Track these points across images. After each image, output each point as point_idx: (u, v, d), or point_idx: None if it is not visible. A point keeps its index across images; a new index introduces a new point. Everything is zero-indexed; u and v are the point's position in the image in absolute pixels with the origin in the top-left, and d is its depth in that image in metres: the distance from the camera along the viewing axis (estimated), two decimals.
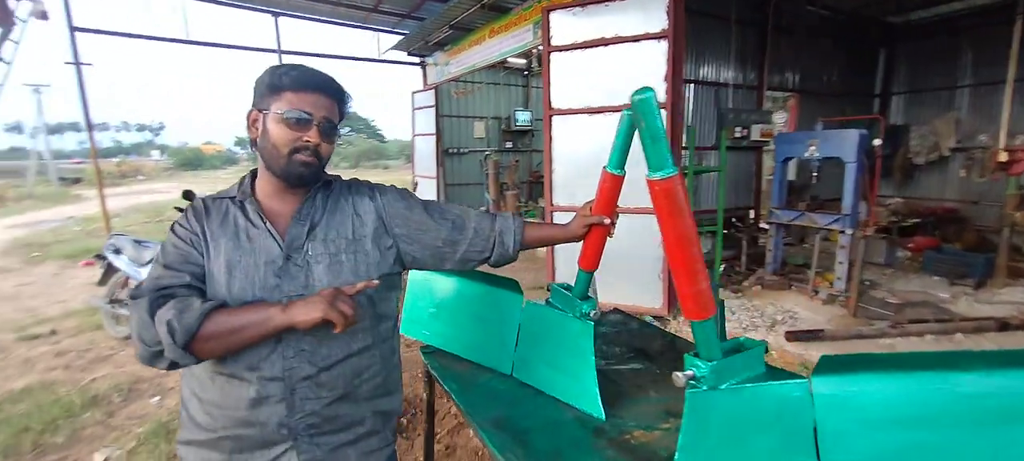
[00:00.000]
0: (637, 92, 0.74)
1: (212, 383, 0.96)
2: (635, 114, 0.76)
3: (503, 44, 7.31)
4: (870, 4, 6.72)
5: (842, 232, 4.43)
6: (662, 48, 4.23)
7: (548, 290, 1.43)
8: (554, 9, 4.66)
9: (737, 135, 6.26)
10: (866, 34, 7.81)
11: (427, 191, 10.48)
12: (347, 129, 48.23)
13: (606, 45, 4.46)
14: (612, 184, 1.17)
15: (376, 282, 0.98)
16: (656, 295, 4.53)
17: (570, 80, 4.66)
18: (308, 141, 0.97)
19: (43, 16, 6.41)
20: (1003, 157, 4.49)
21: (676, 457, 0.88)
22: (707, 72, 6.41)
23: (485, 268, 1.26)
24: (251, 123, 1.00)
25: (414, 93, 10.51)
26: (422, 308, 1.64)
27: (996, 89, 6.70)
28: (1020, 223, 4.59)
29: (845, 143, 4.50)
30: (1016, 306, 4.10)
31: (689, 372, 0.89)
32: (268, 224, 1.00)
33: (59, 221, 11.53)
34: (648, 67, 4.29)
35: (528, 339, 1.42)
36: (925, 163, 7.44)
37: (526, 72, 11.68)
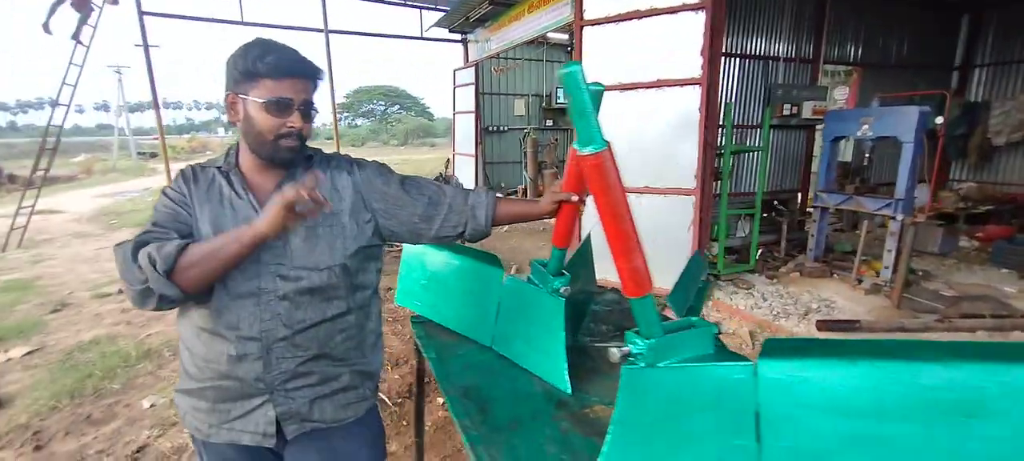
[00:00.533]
0: (563, 67, 0.73)
1: (198, 339, 1.06)
2: (565, 85, 0.75)
3: (541, 19, 7.20)
4: None
5: (892, 218, 4.12)
6: (700, 20, 4.03)
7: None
8: None
9: (785, 113, 5.88)
10: (945, 2, 7.03)
11: (466, 169, 10.61)
12: (396, 107, 49.24)
13: (640, 18, 4.30)
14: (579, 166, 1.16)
15: (330, 205, 1.00)
16: None
17: (603, 55, 4.54)
18: (292, 126, 1.01)
19: (114, 1, 6.94)
20: None
21: (609, 430, 0.89)
22: (756, 45, 6.03)
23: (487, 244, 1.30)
24: (230, 106, 1.03)
25: (455, 70, 10.58)
26: (415, 279, 1.71)
27: None
28: None
29: (902, 121, 4.14)
30: None
31: (625, 349, 0.89)
32: (251, 195, 1.06)
33: (136, 192, 12.65)
34: (685, 40, 4.11)
35: (507, 313, 1.45)
36: (1006, 143, 6.69)
37: (569, 48, 11.43)
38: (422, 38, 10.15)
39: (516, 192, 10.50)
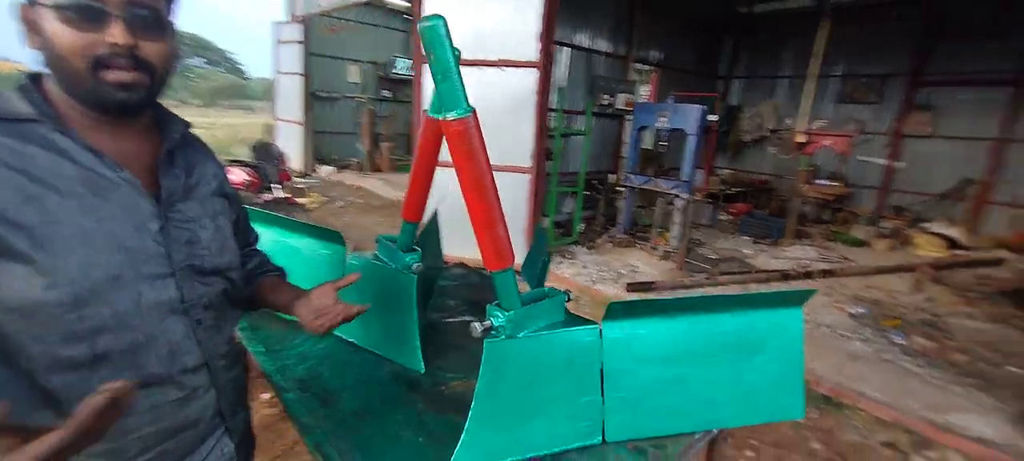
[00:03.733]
0: (424, 19, 0.67)
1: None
2: (425, 40, 0.69)
3: None
4: None
5: (678, 197, 5.01)
6: (535, 5, 4.23)
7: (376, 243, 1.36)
8: None
9: (603, 102, 6.64)
10: (717, 21, 8.73)
11: (292, 137, 9.47)
12: (200, 61, 41.23)
13: None
14: (433, 131, 1.11)
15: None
16: (521, 252, 4.72)
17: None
18: (115, 44, 0.63)
19: None
20: (801, 139, 5.43)
21: (472, 404, 0.89)
22: (583, 39, 6.63)
23: None
24: (28, 24, 0.64)
25: (277, 24, 9.25)
26: None
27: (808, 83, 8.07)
28: (807, 194, 5.62)
29: (689, 117, 5.02)
30: (796, 261, 5.08)
31: (487, 323, 0.89)
32: (122, 171, 0.68)
33: None
34: (524, 23, 4.27)
35: (351, 294, 1.32)
36: (751, 140, 8.71)
37: (408, 16, 10.96)
38: None
39: (350, 165, 9.81)
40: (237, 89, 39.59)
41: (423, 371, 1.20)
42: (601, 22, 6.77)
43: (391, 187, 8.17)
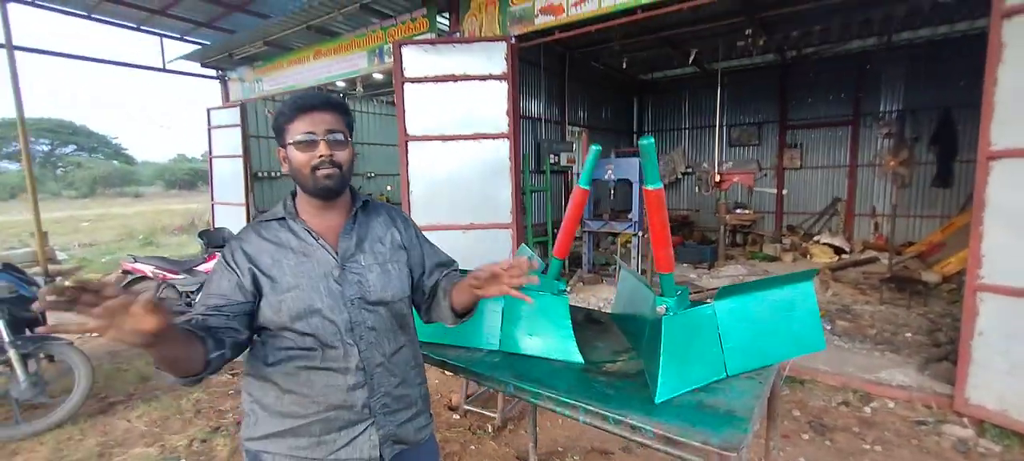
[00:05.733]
0: (643, 138, 1.27)
1: (296, 379, 1.13)
2: (642, 152, 1.29)
3: (332, 68, 7.17)
4: (631, 65, 8.96)
5: (634, 235, 5.88)
6: (503, 88, 4.99)
7: None
8: (406, 44, 5.01)
9: (552, 161, 7.54)
10: (628, 86, 10.28)
11: (233, 219, 9.24)
12: (71, 148, 37.31)
13: (456, 81, 5.01)
14: (582, 197, 1.68)
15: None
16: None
17: (423, 109, 5.06)
18: (322, 156, 1.13)
19: None
20: (717, 178, 6.65)
21: (662, 361, 1.42)
22: (525, 107, 7.56)
23: None
24: (282, 162, 1.20)
25: (211, 110, 9.20)
26: None
27: (703, 131, 9.71)
28: (729, 222, 6.80)
29: (631, 168, 6.01)
30: (732, 278, 6.11)
31: (663, 306, 1.45)
32: (320, 240, 1.18)
33: None
34: (492, 103, 5.00)
35: (511, 318, 1.81)
36: (668, 183, 10.13)
37: (343, 94, 11.39)
38: (165, 70, 8.52)
39: None
40: (124, 176, 36.29)
41: (583, 362, 1.70)
42: (539, 93, 7.80)
43: None
